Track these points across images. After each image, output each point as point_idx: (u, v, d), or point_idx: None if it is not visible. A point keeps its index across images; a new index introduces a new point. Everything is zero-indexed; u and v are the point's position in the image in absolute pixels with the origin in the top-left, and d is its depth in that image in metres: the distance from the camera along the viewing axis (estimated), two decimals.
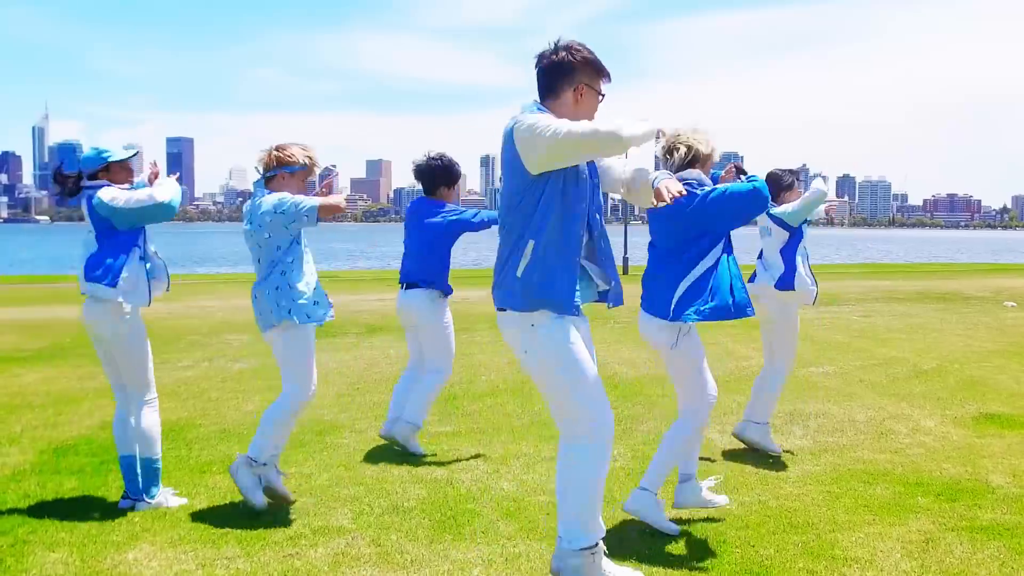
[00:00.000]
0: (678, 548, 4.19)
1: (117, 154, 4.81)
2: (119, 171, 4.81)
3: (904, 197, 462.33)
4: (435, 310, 5.91)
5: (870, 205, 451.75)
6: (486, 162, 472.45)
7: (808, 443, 6.28)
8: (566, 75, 3.53)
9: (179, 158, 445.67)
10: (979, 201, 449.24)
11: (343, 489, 5.08)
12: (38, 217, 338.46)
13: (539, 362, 3.55)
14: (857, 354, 10.72)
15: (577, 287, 3.55)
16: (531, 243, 3.47)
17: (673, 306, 4.34)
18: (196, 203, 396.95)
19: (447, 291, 5.98)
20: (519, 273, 3.49)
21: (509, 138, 3.48)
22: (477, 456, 5.86)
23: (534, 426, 6.76)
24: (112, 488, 5.07)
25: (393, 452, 5.93)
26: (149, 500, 4.68)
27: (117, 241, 4.63)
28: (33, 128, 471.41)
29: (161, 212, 4.64)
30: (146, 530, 4.36)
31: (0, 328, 13.41)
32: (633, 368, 9.67)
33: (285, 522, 4.49)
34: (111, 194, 4.63)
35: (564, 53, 3.53)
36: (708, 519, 4.59)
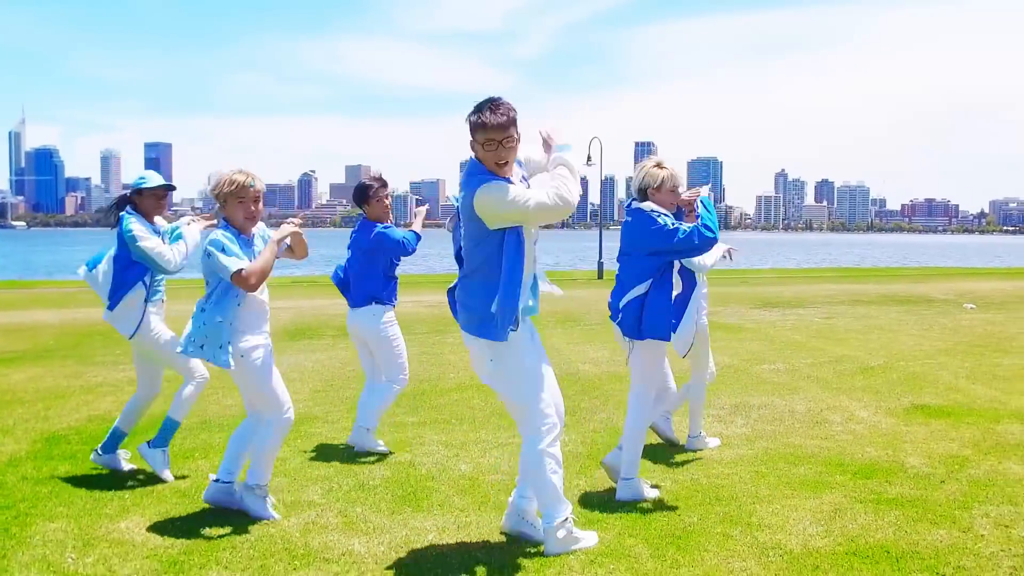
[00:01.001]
0: (611, 516, 4.70)
1: (150, 182, 5.40)
2: (148, 198, 5.36)
3: (882, 202, 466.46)
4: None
5: (848, 210, 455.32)
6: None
7: (747, 431, 6.83)
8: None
9: (157, 163, 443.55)
10: (956, 206, 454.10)
11: (314, 470, 5.59)
12: (14, 223, 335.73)
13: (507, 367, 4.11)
14: (810, 352, 11.31)
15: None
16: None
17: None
18: (174, 209, 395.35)
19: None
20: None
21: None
22: (439, 442, 6.37)
23: (494, 416, 7.28)
24: (104, 471, 5.55)
25: None
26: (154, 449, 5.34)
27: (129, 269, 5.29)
28: (9, 133, 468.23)
29: (164, 271, 5.26)
30: (136, 504, 4.85)
31: None
32: (595, 366, 10.22)
33: None
34: (139, 230, 5.23)
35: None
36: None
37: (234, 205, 4.58)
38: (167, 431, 5.43)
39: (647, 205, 5.02)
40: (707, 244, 4.85)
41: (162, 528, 4.47)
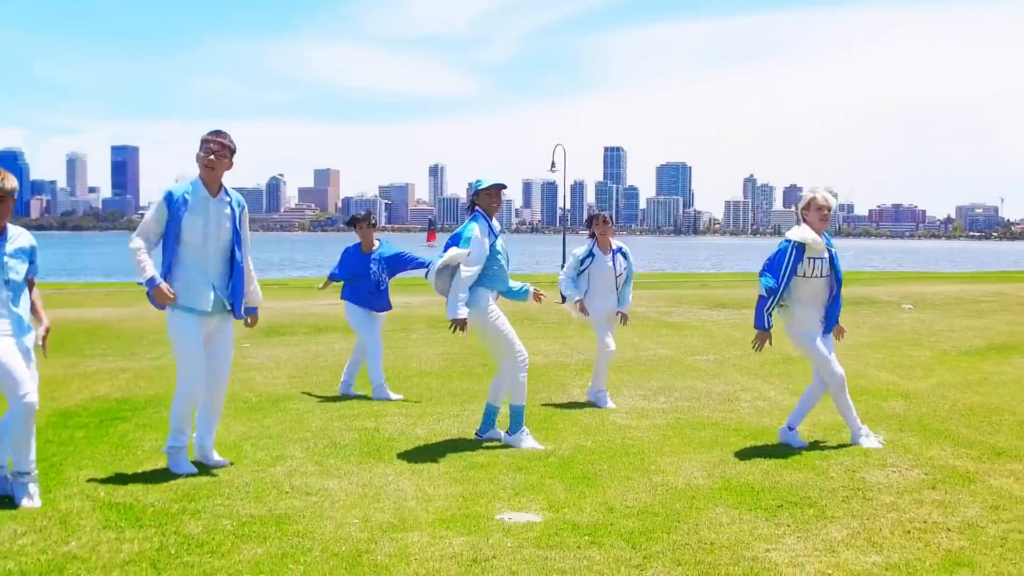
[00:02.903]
0: (536, 464, 5.82)
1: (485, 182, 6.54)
2: (483, 197, 6.53)
3: (850, 207, 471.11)
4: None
5: None
6: (435, 171, 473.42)
7: (666, 407, 7.99)
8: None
9: (124, 167, 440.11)
10: (924, 211, 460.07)
11: (294, 434, 6.68)
12: None
13: None
14: (742, 346, 12.49)
15: None
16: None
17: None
18: (141, 212, 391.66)
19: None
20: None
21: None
22: (400, 414, 7.48)
23: (448, 395, 8.42)
24: (113, 437, 6.60)
25: (333, 412, 7.56)
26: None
27: None
28: None
29: None
30: (148, 458, 5.92)
31: None
32: (545, 357, 11.38)
33: (252, 454, 6.09)
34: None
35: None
36: (569, 448, 6.24)
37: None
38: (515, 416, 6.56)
39: (792, 233, 6.42)
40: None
41: (170, 474, 5.53)
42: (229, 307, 5.67)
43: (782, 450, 6.30)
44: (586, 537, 4.43)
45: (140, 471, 5.61)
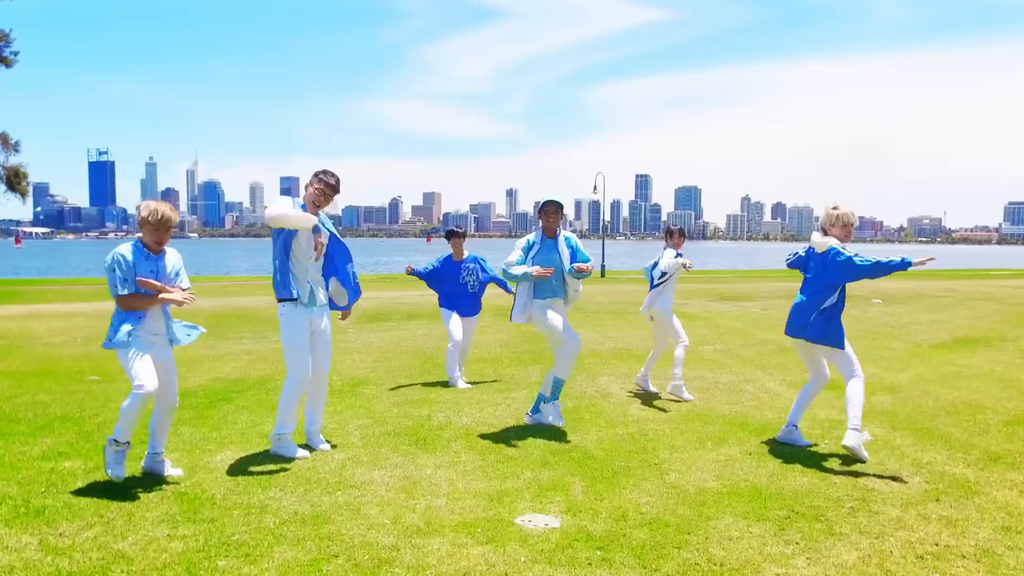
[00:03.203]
0: (560, 459, 4.75)
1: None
2: (541, 216, 5.61)
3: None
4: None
5: (796, 225, 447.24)
6: (510, 193, 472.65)
7: (678, 398, 6.81)
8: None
9: (289, 191, 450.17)
10: (881, 222, 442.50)
11: (358, 420, 5.72)
12: (189, 235, 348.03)
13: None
14: (743, 336, 11.19)
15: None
16: None
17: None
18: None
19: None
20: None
21: None
22: (449, 401, 6.46)
23: (498, 382, 7.36)
24: (213, 419, 5.73)
25: (395, 400, 6.57)
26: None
27: None
28: (187, 171, 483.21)
29: None
30: (231, 442, 5.01)
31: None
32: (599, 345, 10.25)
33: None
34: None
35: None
36: (592, 441, 5.15)
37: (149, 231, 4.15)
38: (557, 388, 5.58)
39: (832, 241, 5.03)
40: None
41: (242, 461, 4.63)
42: (326, 303, 4.85)
43: (786, 450, 5.09)
44: (598, 552, 3.35)
45: (217, 458, 4.70)
